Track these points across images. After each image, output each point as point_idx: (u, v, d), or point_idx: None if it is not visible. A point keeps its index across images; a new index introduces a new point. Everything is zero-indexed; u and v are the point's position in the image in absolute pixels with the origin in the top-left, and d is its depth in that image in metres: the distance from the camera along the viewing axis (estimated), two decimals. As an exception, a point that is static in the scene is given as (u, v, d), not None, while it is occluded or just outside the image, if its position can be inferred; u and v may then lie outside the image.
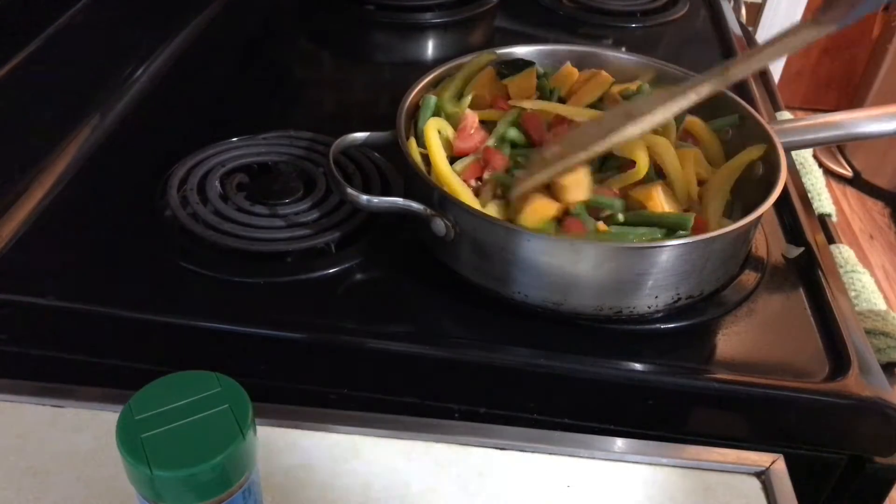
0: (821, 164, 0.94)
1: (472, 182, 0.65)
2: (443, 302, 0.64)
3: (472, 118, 0.68)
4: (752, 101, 0.89)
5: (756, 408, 0.59)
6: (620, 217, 0.61)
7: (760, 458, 0.51)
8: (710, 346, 0.62)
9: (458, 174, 0.65)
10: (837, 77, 2.55)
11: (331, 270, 0.65)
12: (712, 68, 0.60)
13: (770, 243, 0.71)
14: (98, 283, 0.63)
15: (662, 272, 0.59)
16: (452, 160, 0.67)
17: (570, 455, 0.51)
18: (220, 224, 0.67)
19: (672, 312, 0.62)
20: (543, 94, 0.73)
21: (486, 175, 0.65)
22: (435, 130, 0.66)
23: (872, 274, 2.08)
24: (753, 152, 0.65)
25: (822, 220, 0.78)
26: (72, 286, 0.62)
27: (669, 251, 0.58)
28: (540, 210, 0.60)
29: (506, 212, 0.63)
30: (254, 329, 0.60)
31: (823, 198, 0.82)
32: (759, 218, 0.61)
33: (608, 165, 0.66)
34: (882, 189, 2.31)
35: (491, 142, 0.67)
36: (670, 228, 0.60)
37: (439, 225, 0.60)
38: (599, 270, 0.58)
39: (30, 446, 0.49)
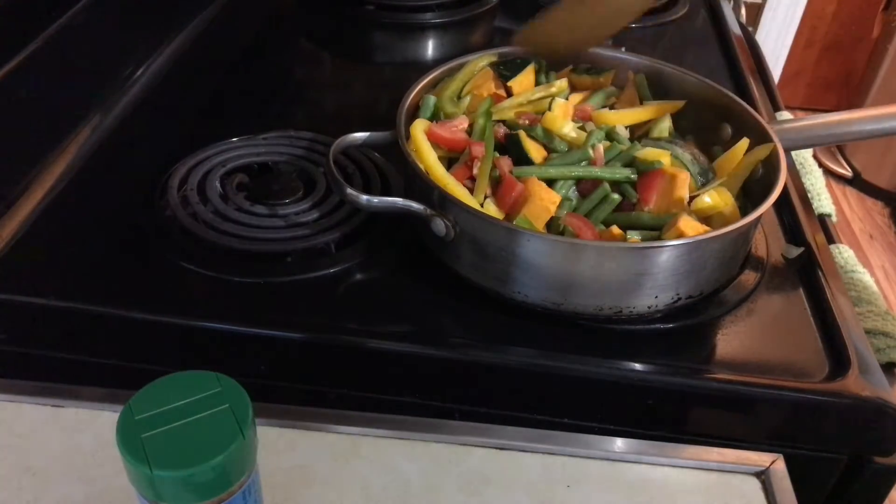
0: (821, 164, 0.94)
1: (466, 183, 0.65)
2: (443, 302, 0.64)
3: (462, 121, 0.68)
4: (752, 101, 0.89)
5: (756, 408, 0.59)
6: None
7: (760, 458, 0.51)
8: (710, 346, 0.62)
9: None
10: (837, 77, 2.55)
11: (331, 270, 0.65)
12: None
13: (770, 243, 0.71)
14: (98, 283, 0.63)
15: (662, 272, 0.59)
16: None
17: (570, 455, 0.51)
18: (220, 224, 0.67)
19: (672, 312, 0.62)
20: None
21: (475, 171, 0.64)
22: (422, 131, 0.66)
23: (872, 274, 2.08)
24: (761, 152, 0.65)
25: (822, 220, 0.78)
26: (72, 286, 0.62)
27: (669, 251, 0.58)
28: (538, 209, 0.60)
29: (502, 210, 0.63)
30: (254, 329, 0.60)
31: (823, 198, 0.82)
32: (758, 218, 0.61)
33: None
34: (882, 189, 2.31)
35: (476, 136, 0.67)
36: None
37: (439, 225, 0.60)
38: (599, 270, 0.58)
39: (30, 446, 0.49)
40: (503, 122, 0.70)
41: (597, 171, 0.63)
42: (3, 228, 0.66)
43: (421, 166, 0.63)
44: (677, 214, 0.60)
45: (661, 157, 0.63)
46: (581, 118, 0.70)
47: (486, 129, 0.67)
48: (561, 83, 0.73)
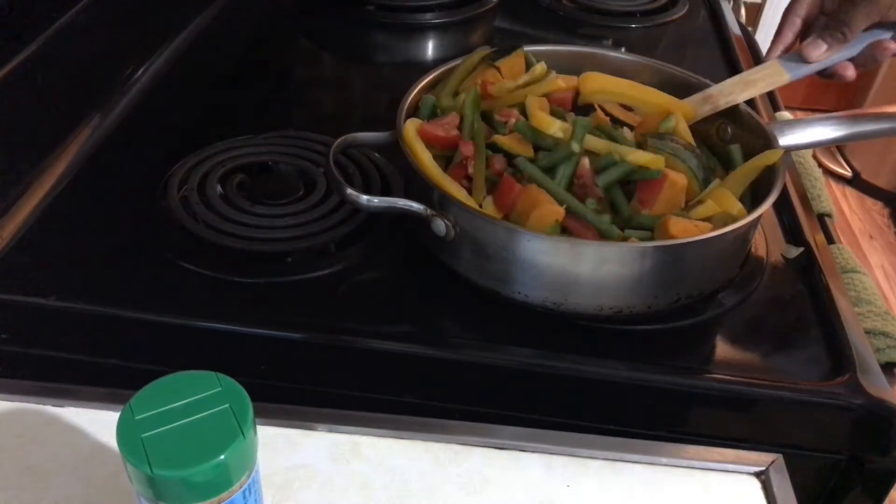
0: (820, 164, 0.95)
1: (463, 182, 0.65)
2: (443, 302, 0.64)
3: (454, 118, 0.68)
4: (751, 102, 0.89)
5: (756, 408, 0.59)
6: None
7: (760, 458, 0.51)
8: (710, 346, 0.62)
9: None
10: (837, 77, 2.54)
11: (331, 270, 0.65)
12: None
13: (770, 243, 0.71)
14: (98, 283, 0.63)
15: (662, 272, 0.59)
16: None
17: (570, 455, 0.51)
18: (220, 224, 0.67)
19: (672, 312, 0.62)
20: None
21: (469, 170, 0.64)
22: (414, 131, 0.66)
23: (872, 274, 2.07)
24: (768, 157, 0.65)
25: (822, 220, 0.78)
26: (72, 286, 0.62)
27: (669, 251, 0.58)
28: (546, 215, 0.59)
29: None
30: (254, 329, 0.60)
31: (823, 198, 0.82)
32: (758, 218, 0.61)
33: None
34: (882, 189, 2.31)
35: (465, 134, 0.67)
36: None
37: (439, 225, 0.60)
38: (599, 270, 0.58)
39: (30, 446, 0.49)
40: (484, 118, 0.69)
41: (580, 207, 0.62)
42: (3, 228, 0.66)
43: (419, 167, 0.63)
44: (666, 215, 0.60)
45: (656, 162, 0.62)
46: (560, 104, 0.70)
47: (475, 124, 0.67)
48: (541, 66, 0.73)
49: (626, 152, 0.63)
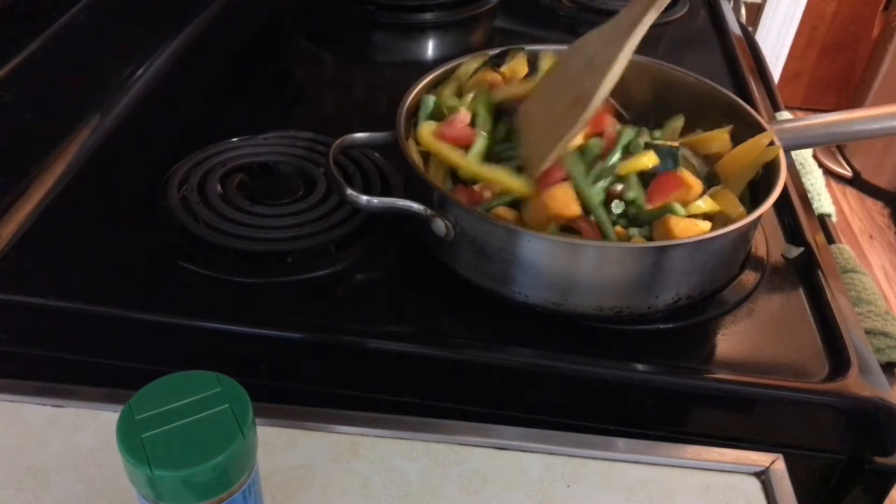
0: (821, 164, 0.95)
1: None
2: (443, 302, 0.64)
3: (464, 115, 0.68)
4: (752, 102, 0.89)
5: (756, 408, 0.59)
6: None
7: (760, 458, 0.51)
8: (710, 346, 0.62)
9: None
10: (837, 77, 2.55)
11: (331, 270, 0.65)
12: None
13: (770, 243, 0.71)
14: (98, 283, 0.63)
15: (662, 272, 0.59)
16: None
17: (570, 455, 0.51)
18: (220, 224, 0.67)
19: (672, 312, 0.62)
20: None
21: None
22: (430, 133, 0.66)
23: (872, 274, 2.07)
24: (766, 154, 0.65)
25: (822, 220, 0.78)
26: (72, 286, 0.62)
27: (669, 251, 0.58)
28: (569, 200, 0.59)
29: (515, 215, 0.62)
30: (254, 329, 0.60)
31: (823, 198, 0.82)
32: (758, 218, 0.61)
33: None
34: (882, 189, 2.31)
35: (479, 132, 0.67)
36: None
37: (439, 225, 0.60)
38: (599, 270, 0.58)
39: (30, 446, 0.49)
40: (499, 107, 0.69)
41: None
42: (3, 228, 0.66)
43: (421, 167, 0.63)
44: (667, 214, 0.60)
45: (648, 161, 0.62)
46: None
47: (487, 120, 0.67)
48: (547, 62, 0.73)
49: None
